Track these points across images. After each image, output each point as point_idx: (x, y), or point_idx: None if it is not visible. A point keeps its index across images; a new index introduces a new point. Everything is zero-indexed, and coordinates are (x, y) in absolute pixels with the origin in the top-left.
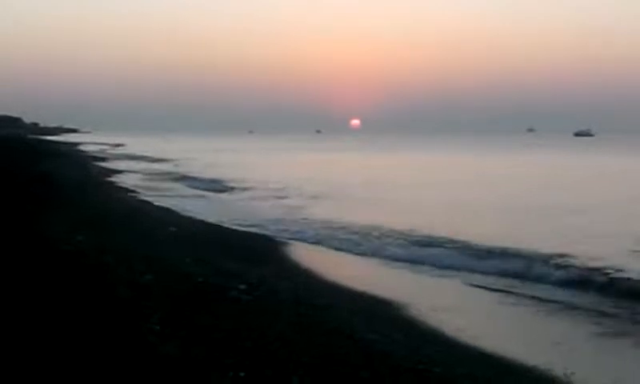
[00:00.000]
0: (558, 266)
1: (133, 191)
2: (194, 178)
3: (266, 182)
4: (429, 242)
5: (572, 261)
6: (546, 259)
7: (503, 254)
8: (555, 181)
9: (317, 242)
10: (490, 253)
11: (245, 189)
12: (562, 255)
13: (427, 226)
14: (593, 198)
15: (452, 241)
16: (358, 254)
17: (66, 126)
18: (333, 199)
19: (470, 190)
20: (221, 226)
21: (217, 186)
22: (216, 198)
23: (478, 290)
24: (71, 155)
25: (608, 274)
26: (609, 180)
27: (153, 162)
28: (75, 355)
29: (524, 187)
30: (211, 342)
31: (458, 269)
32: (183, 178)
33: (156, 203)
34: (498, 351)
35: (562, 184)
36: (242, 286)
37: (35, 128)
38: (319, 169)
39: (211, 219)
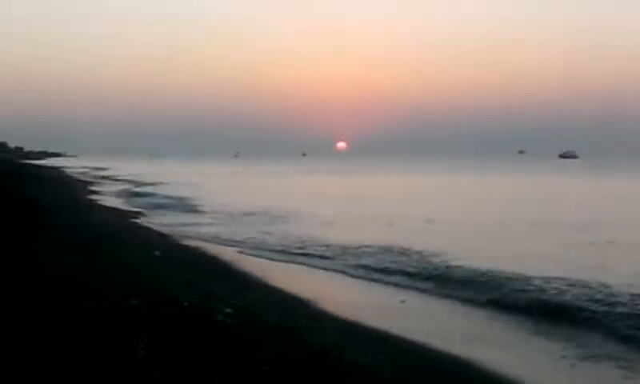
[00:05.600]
0: None
1: (122, 215)
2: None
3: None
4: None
5: None
6: None
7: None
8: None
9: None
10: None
11: None
12: None
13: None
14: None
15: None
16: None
17: (51, 150)
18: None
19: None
20: (203, 250)
21: None
22: None
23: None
24: (56, 179)
25: None
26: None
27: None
28: (60, 380)
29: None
30: (198, 367)
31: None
32: None
33: (145, 225)
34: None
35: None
36: (228, 310)
37: (20, 152)
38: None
39: None
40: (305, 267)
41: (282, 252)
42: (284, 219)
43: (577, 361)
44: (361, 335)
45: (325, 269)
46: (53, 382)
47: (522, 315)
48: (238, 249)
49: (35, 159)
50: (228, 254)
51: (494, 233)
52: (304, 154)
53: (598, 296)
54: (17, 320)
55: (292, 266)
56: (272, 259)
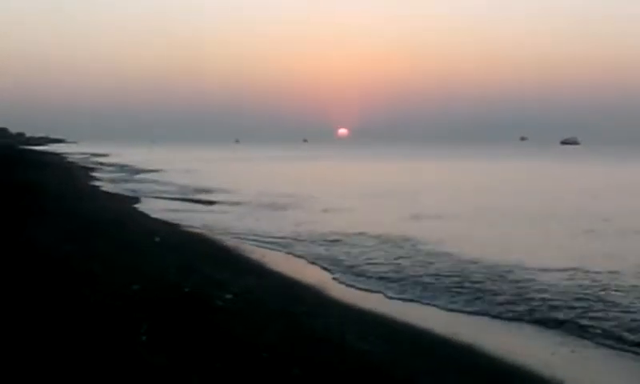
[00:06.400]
0: None
1: (122, 201)
2: None
3: None
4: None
5: None
6: None
7: None
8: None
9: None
10: None
11: None
12: None
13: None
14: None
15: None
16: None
17: (53, 136)
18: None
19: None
20: (203, 236)
21: None
22: None
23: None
24: (58, 165)
25: None
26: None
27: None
28: (62, 366)
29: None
30: (199, 353)
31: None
32: None
33: (145, 211)
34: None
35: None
36: (229, 296)
37: (21, 138)
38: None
39: None
40: (302, 254)
41: (278, 241)
42: (282, 206)
43: (576, 348)
44: (361, 320)
45: (320, 257)
46: (54, 367)
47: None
48: (237, 236)
49: (36, 145)
50: (228, 240)
51: (489, 223)
52: (305, 141)
53: (602, 287)
54: (20, 306)
55: (290, 252)
56: (269, 247)
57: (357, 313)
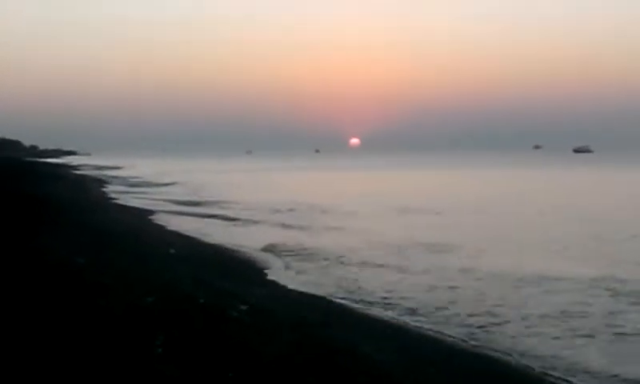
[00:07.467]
0: None
1: (137, 213)
2: None
3: None
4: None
5: None
6: None
7: None
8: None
9: None
10: None
11: None
12: None
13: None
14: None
15: None
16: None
17: (65, 148)
18: None
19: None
20: (218, 248)
21: None
22: None
23: None
24: (70, 177)
25: None
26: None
27: None
28: (77, 378)
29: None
30: (213, 364)
31: None
32: None
33: (159, 223)
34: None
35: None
36: (243, 307)
37: (34, 150)
38: None
39: None
40: (314, 266)
41: (292, 252)
42: (294, 218)
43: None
44: (375, 329)
45: (332, 268)
46: (69, 380)
47: None
48: (251, 247)
49: (49, 157)
50: (242, 251)
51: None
52: (317, 151)
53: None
54: (35, 318)
55: (303, 264)
56: (283, 258)
57: (370, 321)
